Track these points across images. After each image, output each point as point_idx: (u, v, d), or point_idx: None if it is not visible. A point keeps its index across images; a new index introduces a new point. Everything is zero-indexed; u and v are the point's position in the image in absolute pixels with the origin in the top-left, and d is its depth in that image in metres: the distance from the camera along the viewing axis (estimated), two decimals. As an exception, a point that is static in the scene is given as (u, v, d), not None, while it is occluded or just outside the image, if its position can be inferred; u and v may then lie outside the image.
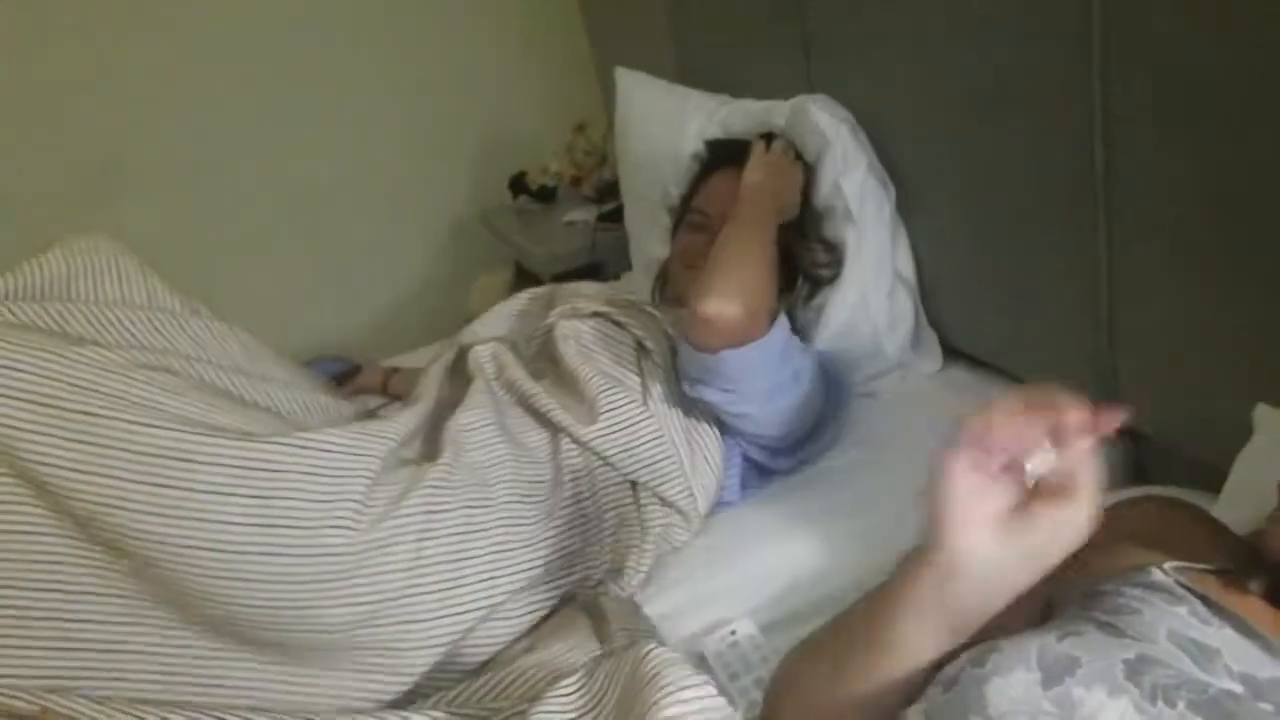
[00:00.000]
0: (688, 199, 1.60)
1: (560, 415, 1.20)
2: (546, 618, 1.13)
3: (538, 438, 1.22)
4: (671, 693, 0.69)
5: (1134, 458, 1.31)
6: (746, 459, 1.31)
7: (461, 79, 2.59)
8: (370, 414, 1.34)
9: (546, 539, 1.13)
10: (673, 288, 1.53)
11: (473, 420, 1.18)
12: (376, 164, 2.58)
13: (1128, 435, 1.31)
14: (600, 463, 1.19)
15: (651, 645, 0.74)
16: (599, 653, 1.00)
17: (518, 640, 1.10)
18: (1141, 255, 1.09)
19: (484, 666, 1.04)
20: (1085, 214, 1.12)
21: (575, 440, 1.19)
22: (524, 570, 1.10)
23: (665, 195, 1.75)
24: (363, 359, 1.64)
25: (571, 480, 1.19)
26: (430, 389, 1.30)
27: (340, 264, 2.64)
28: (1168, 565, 0.64)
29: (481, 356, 1.29)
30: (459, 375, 1.31)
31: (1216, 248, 1.00)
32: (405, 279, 2.75)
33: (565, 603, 1.15)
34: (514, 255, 2.55)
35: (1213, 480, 1.01)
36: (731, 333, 1.15)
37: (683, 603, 1.15)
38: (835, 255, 1.43)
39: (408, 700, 1.01)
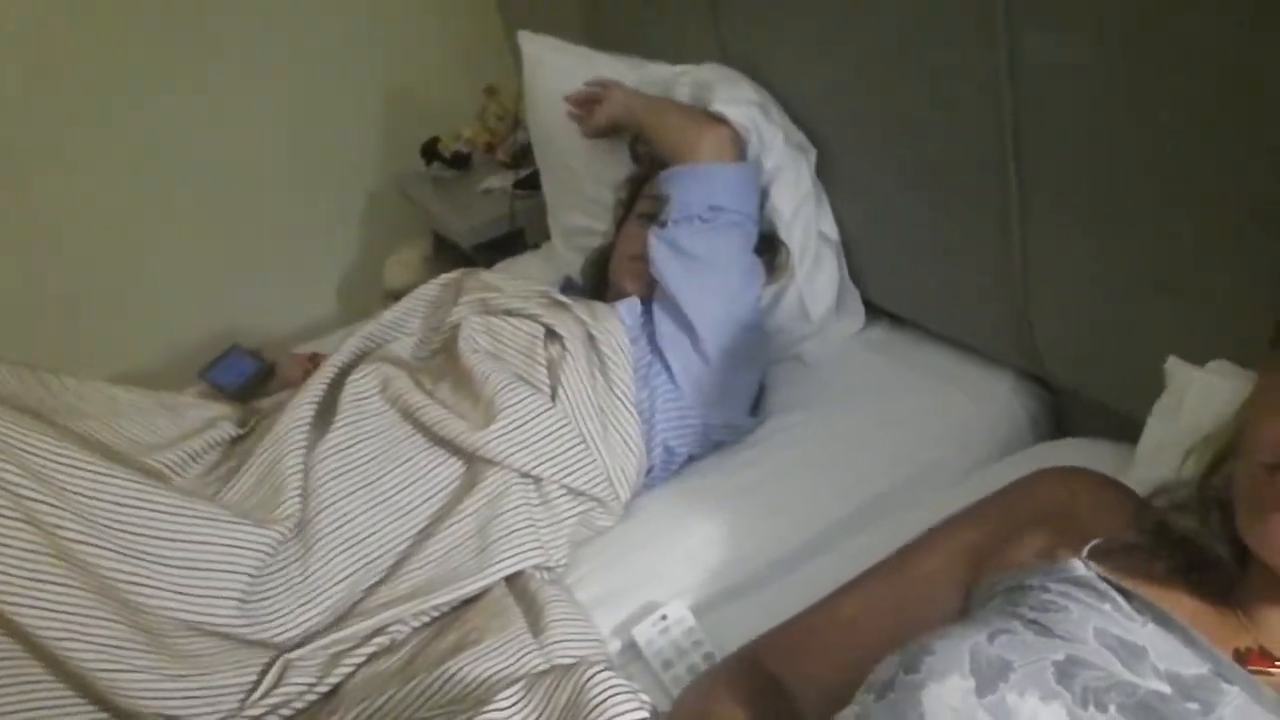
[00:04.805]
0: (638, 185, 1.56)
1: (450, 426, 1.16)
2: (475, 599, 1.10)
3: (418, 457, 1.18)
4: None
5: (1054, 410, 1.33)
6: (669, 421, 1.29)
7: (368, 40, 2.49)
8: (242, 438, 1.27)
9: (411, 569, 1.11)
10: (615, 277, 1.49)
11: (334, 490, 1.14)
12: (284, 132, 2.47)
13: (1047, 388, 1.33)
14: (495, 468, 1.15)
15: (597, 669, 0.72)
16: (532, 650, 0.98)
17: (442, 633, 1.07)
18: (1053, 209, 1.09)
19: (410, 668, 1.02)
20: (996, 168, 1.11)
21: (466, 449, 1.16)
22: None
23: (582, 164, 1.71)
24: (277, 351, 1.55)
25: (458, 498, 1.15)
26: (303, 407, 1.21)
27: (248, 240, 2.53)
28: (1086, 554, 0.64)
29: (359, 382, 1.23)
30: (335, 392, 1.24)
31: (1127, 201, 1.00)
32: (317, 253, 2.65)
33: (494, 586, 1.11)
34: (431, 225, 2.48)
35: (1133, 432, 1.02)
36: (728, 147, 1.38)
37: (611, 588, 1.14)
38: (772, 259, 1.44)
39: (331, 710, 0.98)
